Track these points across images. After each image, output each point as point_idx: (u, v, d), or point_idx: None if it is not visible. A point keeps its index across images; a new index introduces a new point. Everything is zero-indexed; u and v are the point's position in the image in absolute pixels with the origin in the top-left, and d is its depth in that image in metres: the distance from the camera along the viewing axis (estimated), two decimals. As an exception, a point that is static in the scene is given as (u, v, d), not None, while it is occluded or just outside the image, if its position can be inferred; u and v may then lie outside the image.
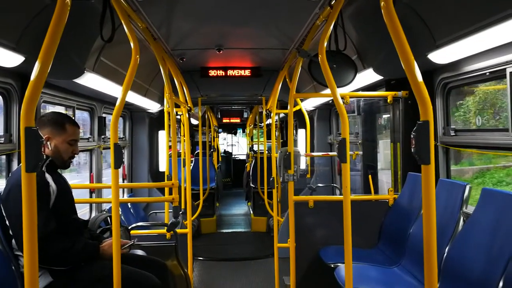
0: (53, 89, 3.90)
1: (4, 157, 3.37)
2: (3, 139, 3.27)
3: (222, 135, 18.27)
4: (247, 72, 5.78)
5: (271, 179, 4.89)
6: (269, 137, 7.94)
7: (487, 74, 3.06)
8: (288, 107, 3.99)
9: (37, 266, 1.53)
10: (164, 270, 3.09)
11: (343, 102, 2.82)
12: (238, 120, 13.64)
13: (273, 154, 5.41)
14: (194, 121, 11.20)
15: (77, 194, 3.06)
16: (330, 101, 5.89)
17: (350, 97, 4.16)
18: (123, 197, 5.96)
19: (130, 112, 6.59)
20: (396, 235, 3.84)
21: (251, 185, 9.23)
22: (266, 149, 8.02)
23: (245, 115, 12.82)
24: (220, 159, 13.94)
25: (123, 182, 6.38)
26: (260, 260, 6.31)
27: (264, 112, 7.28)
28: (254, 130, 11.82)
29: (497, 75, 3.00)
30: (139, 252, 3.52)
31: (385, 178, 5.20)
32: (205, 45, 4.75)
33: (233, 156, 16.92)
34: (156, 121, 7.04)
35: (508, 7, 2.15)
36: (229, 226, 9.13)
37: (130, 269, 2.73)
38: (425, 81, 1.65)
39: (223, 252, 6.93)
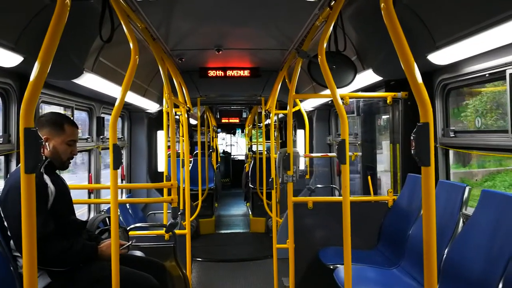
0: (51, 89, 3.89)
1: (2, 157, 3.36)
2: (1, 139, 3.26)
3: (221, 135, 18.25)
4: (246, 73, 5.78)
5: (270, 179, 4.88)
6: (268, 138, 7.94)
7: (487, 75, 3.06)
8: (288, 107, 3.98)
9: (36, 267, 1.53)
10: (163, 271, 3.08)
11: (342, 102, 2.81)
12: (237, 120, 13.64)
13: (272, 155, 5.41)
14: (193, 121, 11.20)
15: (75, 195, 3.05)
16: (329, 102, 5.89)
17: (350, 98, 4.16)
18: (121, 197, 5.96)
19: (129, 112, 6.58)
20: (395, 236, 3.84)
21: (250, 185, 9.22)
22: (265, 149, 8.03)
23: (244, 115, 12.83)
24: (219, 160, 13.93)
25: (122, 182, 6.37)
26: (259, 261, 6.30)
27: (263, 113, 7.29)
28: (253, 131, 11.82)
29: (497, 76, 3.00)
30: (138, 253, 3.51)
31: (387, 180, 5.18)
32: (204, 46, 4.75)
33: (232, 156, 16.91)
34: (155, 121, 7.04)
35: (508, 8, 2.15)
36: (228, 226, 9.12)
37: (128, 270, 2.72)
38: (425, 82, 1.64)
39: (221, 253, 6.92)
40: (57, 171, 2.84)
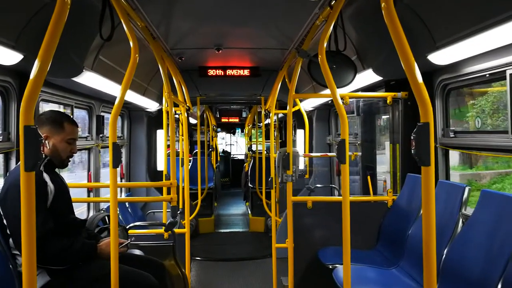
0: (51, 88, 3.89)
1: (2, 155, 3.36)
2: (1, 137, 3.26)
3: (221, 134, 18.24)
4: (246, 72, 5.77)
5: (269, 179, 4.88)
6: (267, 137, 7.94)
7: (487, 76, 3.06)
8: (287, 107, 3.98)
9: (35, 266, 1.52)
10: (162, 270, 3.08)
11: (342, 102, 2.81)
12: (237, 120, 13.64)
13: (272, 154, 5.41)
14: (192, 121, 11.19)
15: (74, 193, 3.05)
16: (329, 102, 5.89)
17: (350, 98, 4.16)
18: (120, 196, 5.95)
19: (129, 111, 6.58)
20: (395, 236, 3.84)
21: (250, 185, 9.21)
22: (265, 149, 8.03)
23: (244, 114, 12.82)
24: (218, 159, 13.92)
25: (121, 181, 6.37)
26: (258, 261, 6.29)
27: (263, 112, 7.28)
28: (252, 130, 11.82)
29: (497, 77, 3.00)
30: (137, 251, 3.51)
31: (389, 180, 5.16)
32: (204, 45, 4.74)
33: (231, 156, 16.91)
34: (154, 120, 7.03)
35: (508, 9, 2.15)
36: (227, 226, 9.12)
37: (127, 268, 2.72)
38: (425, 82, 1.64)
39: (221, 252, 6.91)
40: (56, 170, 2.84)
